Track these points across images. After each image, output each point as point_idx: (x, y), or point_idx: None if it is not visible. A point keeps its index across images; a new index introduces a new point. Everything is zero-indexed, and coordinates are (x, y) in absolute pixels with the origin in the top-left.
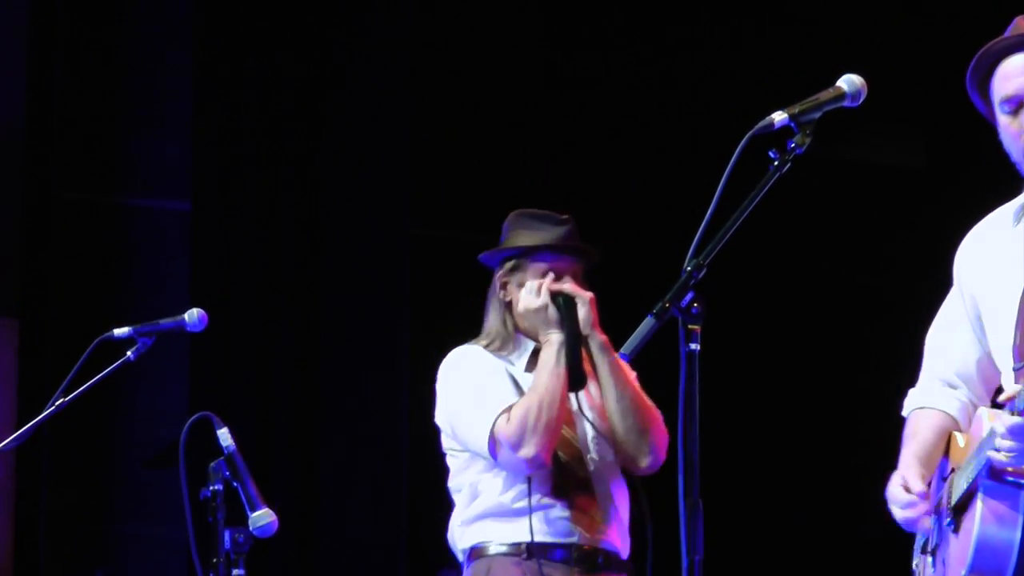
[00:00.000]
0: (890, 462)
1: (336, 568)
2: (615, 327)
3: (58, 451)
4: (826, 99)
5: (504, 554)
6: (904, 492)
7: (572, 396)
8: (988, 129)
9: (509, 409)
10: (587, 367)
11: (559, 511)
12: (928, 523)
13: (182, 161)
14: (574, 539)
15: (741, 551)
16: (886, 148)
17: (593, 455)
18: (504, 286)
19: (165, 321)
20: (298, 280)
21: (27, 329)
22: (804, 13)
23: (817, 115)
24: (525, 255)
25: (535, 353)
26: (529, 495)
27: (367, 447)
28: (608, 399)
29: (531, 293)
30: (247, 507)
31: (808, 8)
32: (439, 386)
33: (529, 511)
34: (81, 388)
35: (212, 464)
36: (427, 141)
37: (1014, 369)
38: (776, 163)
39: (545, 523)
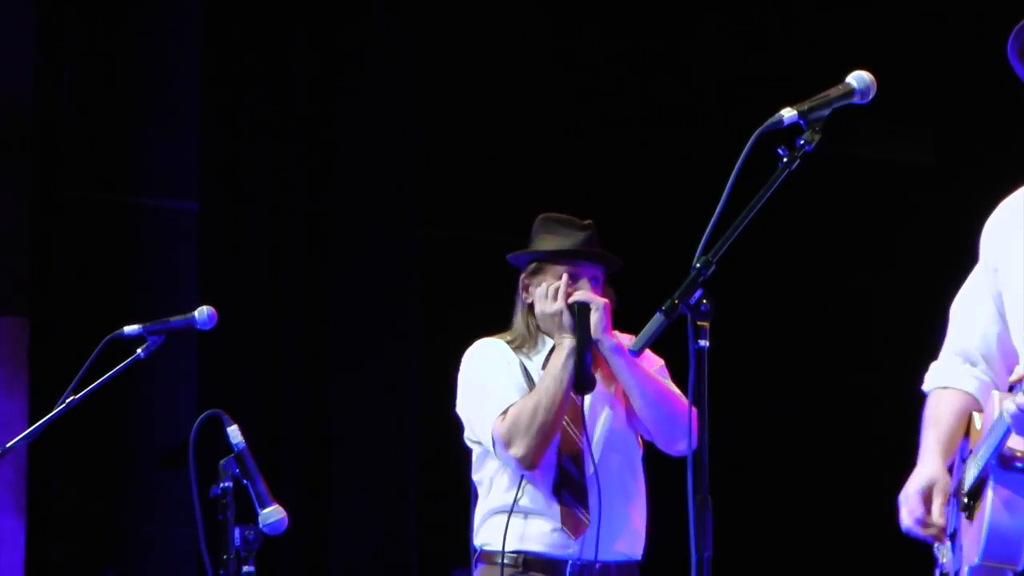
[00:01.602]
0: (900, 459)
1: (346, 565)
2: (625, 325)
3: (69, 450)
4: (835, 96)
5: (507, 564)
6: (923, 507)
7: (584, 400)
8: (997, 126)
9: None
10: (604, 371)
11: (555, 521)
12: (943, 550)
13: (190, 160)
14: (570, 551)
15: (750, 548)
16: (895, 146)
17: (596, 459)
18: (526, 288)
19: (175, 319)
20: (307, 278)
21: (37, 328)
22: (814, 10)
23: (826, 112)
24: (546, 259)
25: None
26: (520, 493)
27: (377, 444)
28: (632, 396)
29: (546, 298)
30: (257, 504)
31: (818, 5)
32: (459, 377)
33: (525, 514)
34: (91, 386)
35: (222, 462)
36: (437, 140)
37: None
38: (785, 160)
39: (543, 536)
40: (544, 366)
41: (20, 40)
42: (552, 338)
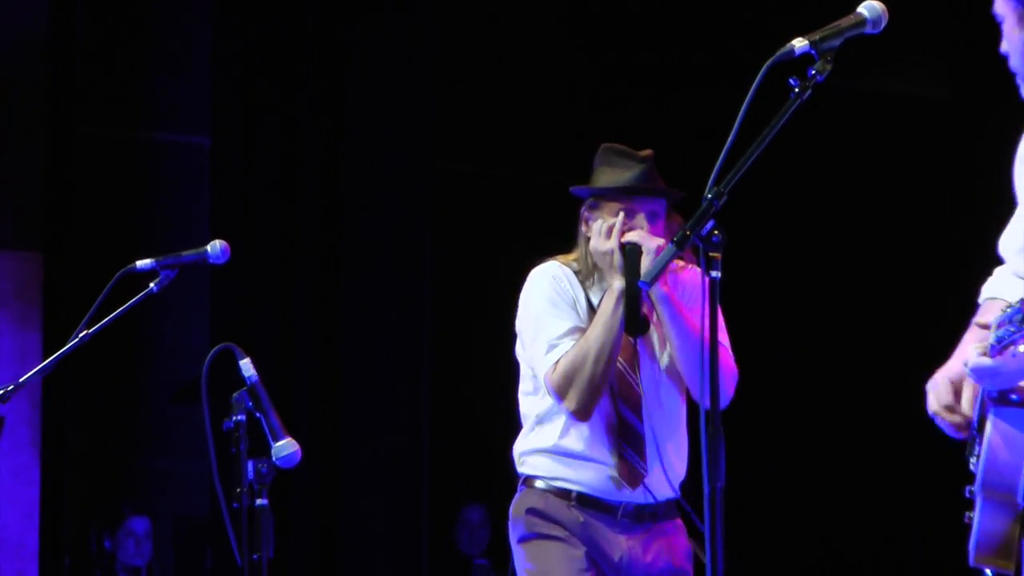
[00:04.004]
0: (913, 392)
1: (359, 496)
2: None
3: (83, 384)
4: (847, 26)
5: (555, 494)
6: (952, 395)
7: (637, 342)
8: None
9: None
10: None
11: (609, 467)
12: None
13: (203, 95)
14: (622, 497)
15: (763, 479)
16: (910, 78)
17: (650, 403)
18: (586, 222)
19: (187, 253)
20: (319, 212)
21: (51, 263)
22: None
23: (838, 42)
24: (602, 195)
25: None
26: (575, 438)
27: (390, 376)
28: (673, 348)
29: (600, 235)
30: (270, 437)
31: None
32: (522, 295)
33: (579, 458)
34: (104, 320)
35: (235, 395)
36: (450, 75)
37: None
38: (797, 91)
39: (595, 480)
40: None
41: None
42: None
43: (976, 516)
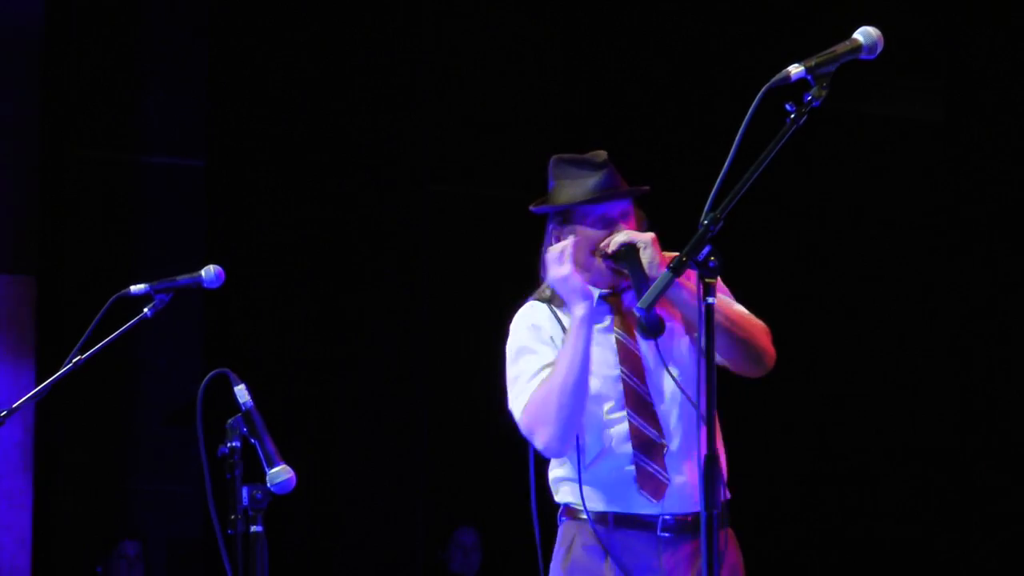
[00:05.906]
0: (908, 420)
1: (355, 522)
2: None
3: (76, 408)
4: (842, 51)
5: (591, 521)
6: None
7: (644, 345)
8: (1005, 83)
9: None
10: (668, 310)
11: (633, 483)
12: None
13: (197, 118)
14: (654, 511)
15: (761, 508)
16: (905, 101)
17: (666, 407)
18: (558, 239)
19: (182, 277)
20: (314, 234)
21: (45, 287)
22: None
23: (833, 68)
24: (571, 209)
25: (602, 299)
26: (592, 460)
27: (386, 401)
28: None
29: (554, 263)
30: (265, 464)
31: None
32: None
33: (603, 479)
34: (98, 346)
35: (229, 421)
36: (444, 95)
37: None
38: (793, 116)
39: (624, 496)
40: (597, 318)
41: (29, 3)
42: (593, 284)
43: None
